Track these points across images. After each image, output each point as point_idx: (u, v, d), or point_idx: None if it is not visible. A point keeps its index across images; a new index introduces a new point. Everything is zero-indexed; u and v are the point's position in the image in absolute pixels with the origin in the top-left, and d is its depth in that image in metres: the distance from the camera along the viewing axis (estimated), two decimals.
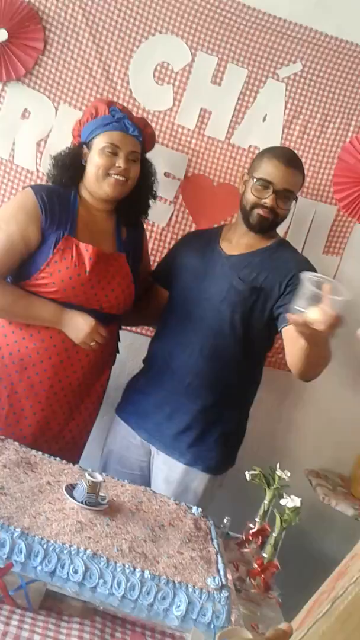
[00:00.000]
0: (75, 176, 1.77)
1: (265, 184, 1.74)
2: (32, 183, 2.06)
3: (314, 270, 1.77)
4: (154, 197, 1.89)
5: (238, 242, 1.82)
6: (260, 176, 1.75)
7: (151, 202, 1.87)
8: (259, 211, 1.76)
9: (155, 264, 2.05)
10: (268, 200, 1.74)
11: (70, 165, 1.77)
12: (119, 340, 1.93)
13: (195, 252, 1.85)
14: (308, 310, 1.36)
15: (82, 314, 1.71)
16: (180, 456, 1.77)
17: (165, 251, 2.12)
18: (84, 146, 1.77)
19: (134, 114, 2.02)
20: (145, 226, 1.98)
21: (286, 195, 1.75)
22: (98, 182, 1.73)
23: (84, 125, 1.77)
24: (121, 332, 1.94)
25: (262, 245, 1.80)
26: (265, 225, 1.78)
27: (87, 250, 1.68)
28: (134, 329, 2.14)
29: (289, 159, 1.79)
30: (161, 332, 1.89)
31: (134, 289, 1.80)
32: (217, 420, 1.78)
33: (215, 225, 2.02)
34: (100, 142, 1.72)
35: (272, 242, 1.82)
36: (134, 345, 2.10)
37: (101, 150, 1.72)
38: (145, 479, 1.85)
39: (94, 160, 1.73)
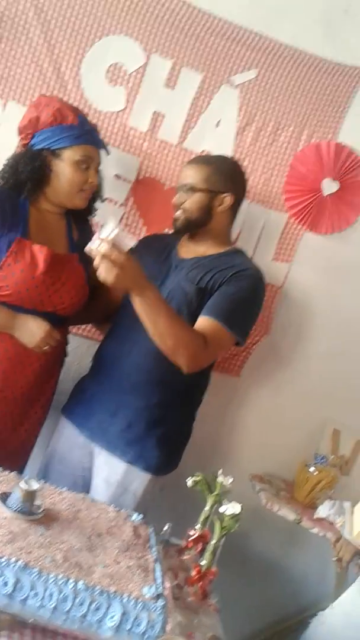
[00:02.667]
0: (38, 184, 1.71)
1: (177, 189, 1.83)
2: None
3: (261, 277, 1.80)
4: (102, 198, 1.88)
5: (193, 248, 1.83)
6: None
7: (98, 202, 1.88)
8: (174, 213, 1.81)
9: None
10: (174, 199, 1.81)
11: (34, 172, 1.70)
12: (67, 343, 1.90)
13: (152, 254, 1.85)
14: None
15: (35, 318, 1.68)
16: (122, 454, 1.76)
17: None
18: (47, 153, 1.70)
19: (85, 114, 2.00)
20: (95, 227, 1.95)
21: (186, 190, 1.78)
22: (70, 195, 1.73)
23: (45, 127, 1.70)
24: (68, 335, 1.91)
25: (216, 251, 1.82)
26: (179, 224, 1.80)
27: (41, 252, 1.66)
28: (81, 331, 2.11)
29: (192, 159, 1.89)
30: (111, 332, 1.88)
31: (87, 289, 1.78)
32: (161, 419, 1.78)
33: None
34: (74, 155, 1.69)
35: (226, 249, 1.84)
36: (80, 348, 2.08)
37: (76, 164, 1.70)
38: (86, 480, 1.83)
39: (67, 175, 1.70)
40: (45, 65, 2.00)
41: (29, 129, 1.74)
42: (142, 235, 2.11)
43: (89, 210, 1.86)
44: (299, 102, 2.12)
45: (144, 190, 2.10)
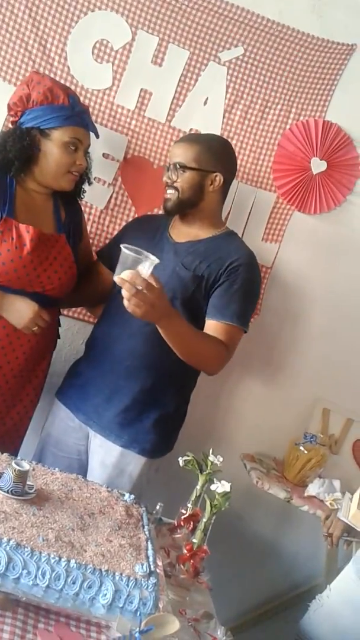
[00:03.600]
0: (26, 163, 1.69)
1: (167, 167, 1.80)
2: None
3: (256, 262, 1.80)
4: (90, 182, 1.86)
5: (186, 230, 1.82)
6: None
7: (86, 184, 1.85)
8: (165, 193, 1.79)
9: (94, 247, 2.02)
10: (164, 178, 1.78)
11: (24, 150, 1.67)
12: (60, 325, 1.89)
13: (144, 236, 1.83)
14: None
15: (23, 298, 1.66)
16: (116, 438, 1.76)
17: (104, 234, 2.09)
18: (36, 132, 1.67)
19: (76, 94, 1.97)
20: (82, 208, 1.93)
21: (177, 168, 1.75)
22: (57, 176, 1.71)
23: (36, 106, 1.67)
24: (60, 317, 1.90)
25: (208, 234, 1.80)
26: (170, 204, 1.78)
27: (27, 232, 1.64)
28: (72, 313, 2.10)
29: (182, 137, 1.88)
30: (104, 316, 1.87)
31: (75, 269, 1.77)
32: (155, 403, 1.78)
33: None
34: (63, 136, 1.67)
35: (219, 232, 1.83)
36: (71, 330, 2.07)
37: (64, 146, 1.68)
38: (82, 463, 1.83)
39: (55, 155, 1.68)
40: (31, 42, 1.96)
41: (19, 106, 1.70)
42: (131, 215, 2.09)
43: (77, 192, 1.84)
44: (286, 80, 2.10)
45: (133, 169, 2.07)
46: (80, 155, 1.71)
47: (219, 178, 1.77)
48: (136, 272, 1.43)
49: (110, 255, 1.86)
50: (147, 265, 1.44)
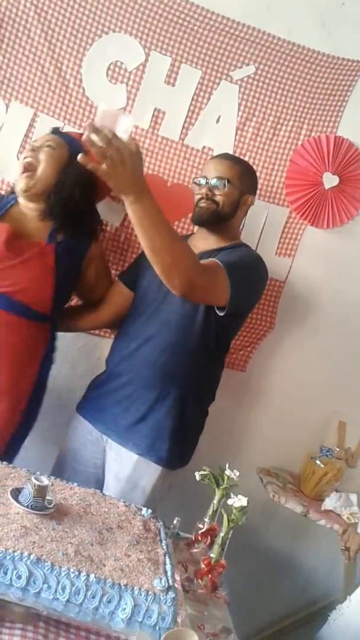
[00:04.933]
0: None
1: (200, 180, 1.83)
2: None
3: (261, 260, 1.81)
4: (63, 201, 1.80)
5: (199, 244, 1.84)
6: (197, 176, 1.88)
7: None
8: (199, 204, 1.82)
9: (111, 263, 2.05)
10: (203, 190, 1.81)
11: None
12: (54, 340, 1.87)
13: None
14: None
15: None
16: (134, 446, 1.77)
17: (120, 250, 2.12)
18: None
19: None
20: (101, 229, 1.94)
21: (219, 183, 1.79)
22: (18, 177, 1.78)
23: None
24: (75, 335, 1.92)
25: (220, 245, 1.83)
26: (207, 215, 1.80)
27: (4, 229, 1.70)
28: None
29: (219, 155, 1.91)
30: (123, 330, 1.90)
31: (51, 282, 1.75)
32: (173, 412, 1.78)
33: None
34: None
35: (233, 243, 1.85)
36: (87, 346, 2.09)
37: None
38: (98, 477, 1.85)
39: None
40: (47, 65, 2.01)
41: None
42: None
43: (85, 226, 1.84)
44: (298, 97, 2.13)
45: None
46: (31, 150, 1.76)
47: (251, 199, 1.86)
48: (104, 126, 1.30)
49: (130, 277, 1.92)
50: (127, 124, 1.32)
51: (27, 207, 1.80)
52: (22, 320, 1.74)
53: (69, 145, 1.77)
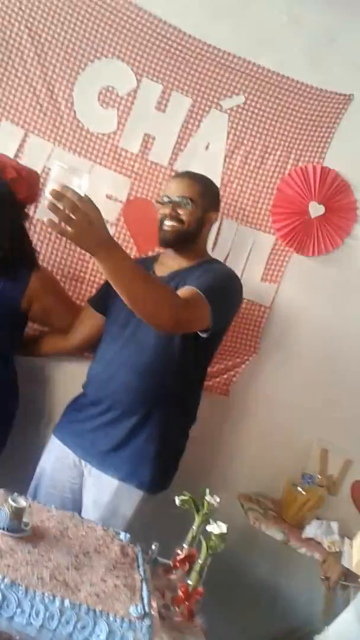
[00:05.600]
0: None
1: (163, 198, 1.82)
2: None
3: (235, 275, 1.81)
4: (25, 216, 1.83)
5: (169, 263, 1.84)
6: (160, 196, 1.86)
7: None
8: (163, 224, 1.81)
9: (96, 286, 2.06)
10: (167, 209, 1.80)
11: None
12: (14, 378, 1.88)
13: None
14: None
15: None
16: (115, 471, 1.75)
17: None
18: None
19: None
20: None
21: (182, 201, 1.78)
22: None
23: None
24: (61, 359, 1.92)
25: (191, 263, 1.82)
26: (173, 236, 1.80)
27: None
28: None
29: (179, 174, 1.92)
30: (98, 354, 1.88)
31: None
32: (153, 437, 1.77)
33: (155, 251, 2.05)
34: None
35: (202, 259, 1.85)
36: (70, 374, 2.07)
37: None
38: (76, 502, 1.81)
39: None
40: (39, 87, 2.03)
41: None
42: (132, 254, 2.13)
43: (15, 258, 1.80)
44: (286, 127, 2.18)
45: (135, 210, 2.12)
46: None
47: (215, 216, 1.86)
48: (65, 187, 1.25)
49: (100, 301, 1.91)
50: (83, 179, 1.28)
51: None
52: None
53: None
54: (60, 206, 1.25)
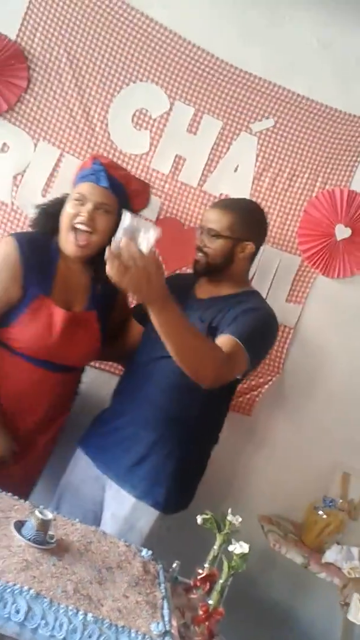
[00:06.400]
0: (50, 223, 1.74)
1: (198, 229, 1.83)
2: (7, 215, 2.10)
3: (272, 314, 1.79)
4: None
5: (210, 288, 1.85)
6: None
7: None
8: (196, 254, 1.81)
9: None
10: (198, 241, 1.81)
11: (53, 213, 1.74)
12: (80, 382, 1.93)
13: (172, 293, 1.88)
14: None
15: (4, 437, 1.71)
16: (131, 488, 1.76)
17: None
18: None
19: (110, 155, 2.09)
20: None
21: (206, 235, 1.78)
22: (65, 234, 1.71)
23: (74, 177, 1.80)
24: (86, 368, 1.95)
25: (231, 292, 1.82)
26: (199, 268, 1.81)
27: (59, 316, 1.68)
28: (98, 364, 2.14)
29: (217, 203, 1.91)
30: (129, 368, 1.90)
31: (99, 346, 1.81)
32: (172, 455, 1.77)
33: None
34: (73, 193, 1.73)
35: (243, 289, 1.84)
36: (96, 382, 2.10)
37: (71, 202, 1.71)
38: (97, 515, 1.82)
39: (65, 211, 1.71)
40: (75, 109, 2.09)
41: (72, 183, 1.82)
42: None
43: None
44: (314, 150, 2.20)
45: (164, 229, 2.13)
46: (84, 209, 1.68)
47: (250, 247, 1.79)
48: (130, 241, 1.29)
49: (142, 313, 1.92)
50: (150, 234, 1.31)
51: (73, 261, 1.74)
52: (70, 375, 1.81)
53: (114, 197, 1.73)
54: (124, 256, 1.30)
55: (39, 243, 1.72)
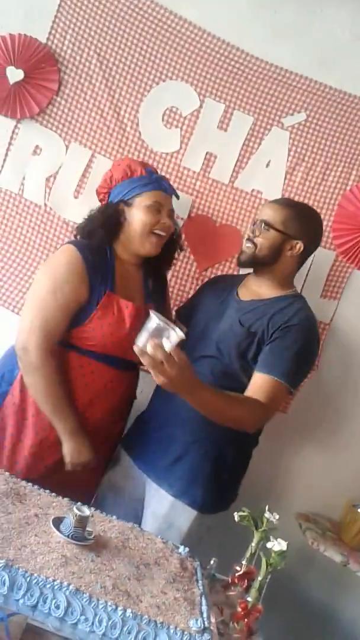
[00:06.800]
0: (110, 232, 1.82)
1: (253, 221, 1.84)
2: (40, 217, 2.13)
3: (313, 327, 1.78)
4: (181, 249, 1.99)
5: (253, 289, 1.85)
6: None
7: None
8: (244, 245, 1.83)
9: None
10: (249, 230, 1.83)
11: (107, 220, 1.81)
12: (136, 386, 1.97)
13: (215, 294, 1.90)
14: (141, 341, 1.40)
15: (88, 444, 1.76)
16: (169, 487, 1.77)
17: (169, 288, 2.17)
18: (122, 204, 1.81)
19: (142, 155, 2.11)
20: None
21: (263, 226, 1.78)
22: (141, 238, 1.80)
23: (117, 183, 1.83)
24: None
25: (273, 295, 1.81)
26: (244, 257, 1.81)
27: (127, 308, 1.75)
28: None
29: (276, 199, 1.92)
30: None
31: None
32: (210, 456, 1.78)
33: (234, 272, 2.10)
34: (144, 200, 1.79)
35: (285, 293, 1.82)
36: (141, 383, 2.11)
37: (147, 208, 1.79)
38: (137, 513, 1.84)
39: (139, 218, 1.79)
40: (106, 109, 2.11)
41: (104, 188, 1.88)
42: (192, 269, 2.17)
43: (168, 261, 1.96)
44: (347, 143, 2.16)
45: (196, 227, 2.16)
46: (163, 215, 1.81)
47: (299, 245, 1.78)
48: (157, 343, 1.38)
49: (188, 313, 1.95)
50: (172, 336, 1.40)
51: (129, 263, 1.85)
52: (132, 373, 1.86)
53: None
54: (148, 356, 1.37)
55: (94, 248, 1.79)
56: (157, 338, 1.39)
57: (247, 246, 1.81)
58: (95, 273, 1.74)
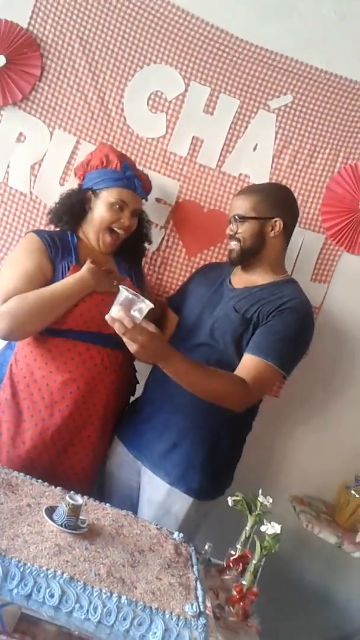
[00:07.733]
0: (75, 218, 1.84)
1: (229, 220, 1.84)
2: (26, 205, 2.10)
3: (308, 311, 1.78)
4: (150, 242, 2.00)
5: (245, 277, 1.85)
6: None
7: (146, 245, 2.00)
8: (229, 245, 1.84)
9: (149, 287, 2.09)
10: (227, 230, 1.83)
11: (73, 206, 1.84)
12: (136, 370, 1.95)
13: (207, 282, 1.90)
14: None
15: (87, 266, 1.74)
16: (165, 475, 1.77)
17: (155, 274, 2.15)
18: (90, 192, 1.83)
19: (127, 140, 2.08)
20: None
21: (238, 220, 1.79)
22: (99, 233, 1.83)
23: (92, 170, 1.84)
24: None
25: (266, 280, 1.81)
26: (234, 255, 1.82)
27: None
28: None
29: (239, 190, 1.92)
30: None
31: None
32: (205, 442, 1.78)
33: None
34: (109, 196, 1.81)
35: (278, 278, 1.82)
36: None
37: (110, 205, 1.80)
38: (133, 500, 1.84)
39: (100, 212, 1.81)
40: (90, 95, 2.08)
41: (80, 170, 1.89)
42: (182, 256, 2.15)
43: (138, 253, 1.97)
44: (335, 125, 2.15)
45: (184, 212, 2.14)
46: (125, 215, 1.82)
47: (278, 223, 1.78)
48: (124, 312, 1.44)
49: (178, 302, 1.94)
50: (142, 306, 1.46)
51: (95, 249, 1.86)
52: (120, 355, 1.80)
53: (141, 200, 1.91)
54: (119, 323, 1.44)
55: (55, 233, 1.82)
56: (128, 309, 1.45)
57: (233, 244, 1.82)
58: (56, 250, 1.76)
